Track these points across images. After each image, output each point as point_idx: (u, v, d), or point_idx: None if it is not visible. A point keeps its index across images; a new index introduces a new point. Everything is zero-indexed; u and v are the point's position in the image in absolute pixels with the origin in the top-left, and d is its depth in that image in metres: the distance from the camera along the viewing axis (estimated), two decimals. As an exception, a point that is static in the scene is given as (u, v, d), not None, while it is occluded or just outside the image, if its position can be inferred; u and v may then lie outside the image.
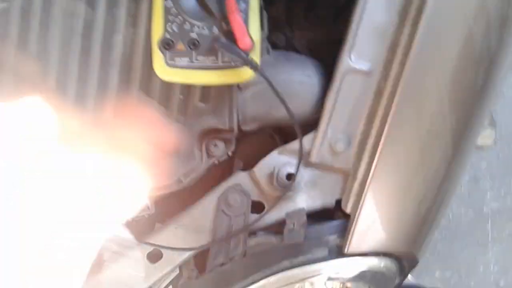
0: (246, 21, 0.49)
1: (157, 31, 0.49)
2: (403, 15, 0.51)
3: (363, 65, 0.53)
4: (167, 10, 0.49)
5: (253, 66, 0.49)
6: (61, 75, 0.53)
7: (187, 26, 0.49)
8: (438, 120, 0.53)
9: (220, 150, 0.59)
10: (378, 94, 0.53)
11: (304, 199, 0.58)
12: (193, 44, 0.49)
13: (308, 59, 0.60)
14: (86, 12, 0.53)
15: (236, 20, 0.48)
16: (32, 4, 0.52)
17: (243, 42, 0.48)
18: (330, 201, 0.58)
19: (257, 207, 0.59)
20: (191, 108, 0.56)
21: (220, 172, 0.63)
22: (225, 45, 0.49)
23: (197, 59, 0.50)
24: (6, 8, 0.50)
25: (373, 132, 0.53)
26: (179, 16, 0.49)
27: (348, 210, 0.56)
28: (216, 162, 0.60)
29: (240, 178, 0.59)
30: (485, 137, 1.41)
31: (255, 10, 0.50)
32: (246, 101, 0.57)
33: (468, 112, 0.54)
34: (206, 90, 0.56)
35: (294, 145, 0.57)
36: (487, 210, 1.42)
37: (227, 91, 0.56)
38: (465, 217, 1.41)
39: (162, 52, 0.49)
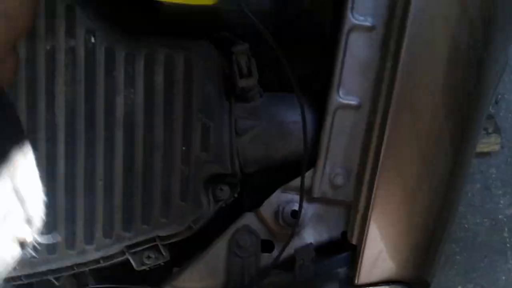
0: None
1: None
2: (384, 48, 0.53)
3: (352, 100, 0.55)
4: None
5: None
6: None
7: None
8: (433, 142, 0.54)
9: (226, 193, 0.61)
10: (370, 126, 0.55)
11: (311, 234, 0.60)
12: None
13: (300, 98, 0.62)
14: (86, 79, 0.56)
15: None
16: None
17: None
18: (336, 234, 0.59)
19: (267, 246, 0.60)
20: (194, 158, 0.58)
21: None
22: None
23: None
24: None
25: (369, 163, 0.55)
26: None
27: (354, 241, 0.57)
28: (224, 205, 0.62)
29: (248, 218, 0.61)
30: (491, 143, 1.41)
31: None
32: (245, 145, 0.59)
33: (466, 125, 0.55)
34: (206, 140, 0.58)
35: (296, 182, 0.59)
36: (502, 217, 1.40)
37: (226, 138, 0.58)
38: (481, 226, 1.39)
39: None
